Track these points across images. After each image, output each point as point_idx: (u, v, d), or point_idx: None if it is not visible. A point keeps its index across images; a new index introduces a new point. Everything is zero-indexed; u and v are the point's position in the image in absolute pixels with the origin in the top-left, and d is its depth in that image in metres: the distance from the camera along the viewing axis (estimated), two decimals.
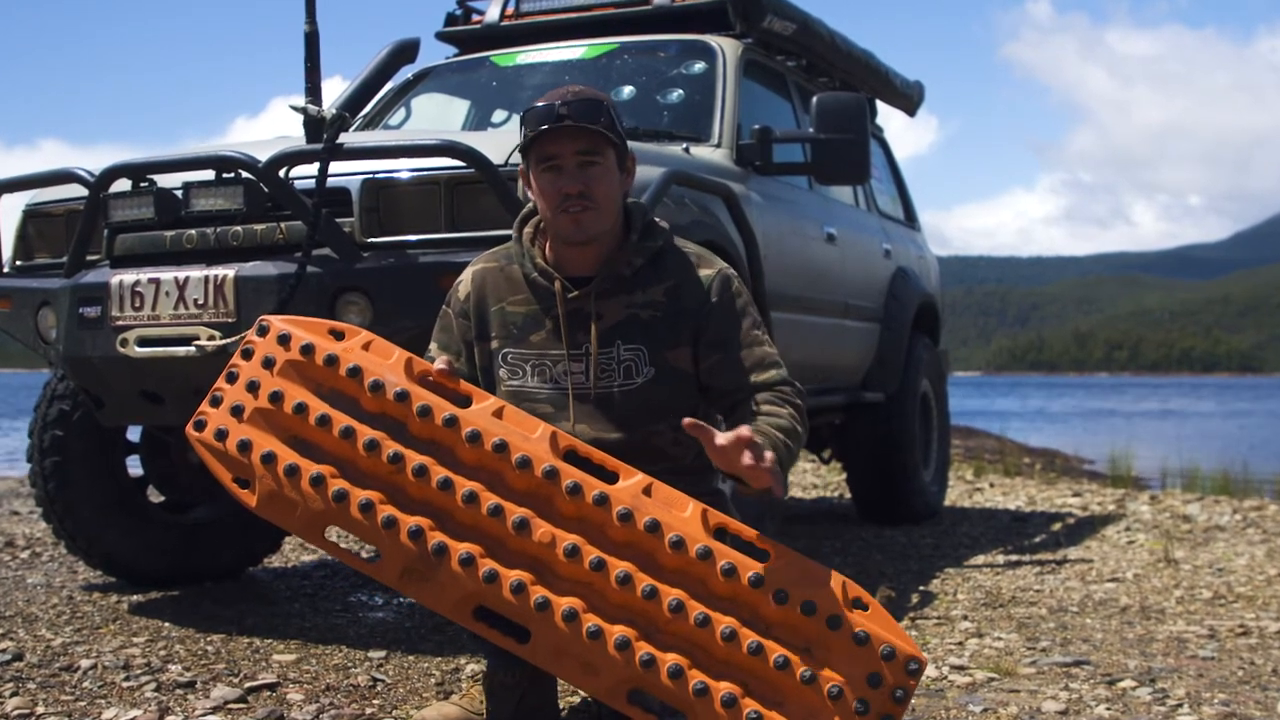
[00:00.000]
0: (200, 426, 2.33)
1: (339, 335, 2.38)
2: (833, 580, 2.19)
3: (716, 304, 2.43)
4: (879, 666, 2.12)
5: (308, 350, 2.33)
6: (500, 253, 2.55)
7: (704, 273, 2.46)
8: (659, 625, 2.16)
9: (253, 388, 2.32)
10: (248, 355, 2.37)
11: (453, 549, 2.18)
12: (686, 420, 2.15)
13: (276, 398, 2.30)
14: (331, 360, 2.32)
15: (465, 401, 2.31)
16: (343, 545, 2.38)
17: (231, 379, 2.36)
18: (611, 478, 2.26)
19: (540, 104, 2.36)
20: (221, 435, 2.30)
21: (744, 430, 2.12)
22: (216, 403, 2.34)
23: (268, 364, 2.34)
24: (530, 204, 2.53)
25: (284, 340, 2.35)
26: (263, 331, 2.38)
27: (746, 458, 2.10)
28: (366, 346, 2.35)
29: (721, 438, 2.11)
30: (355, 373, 2.30)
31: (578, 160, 2.35)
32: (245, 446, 2.28)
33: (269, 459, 2.26)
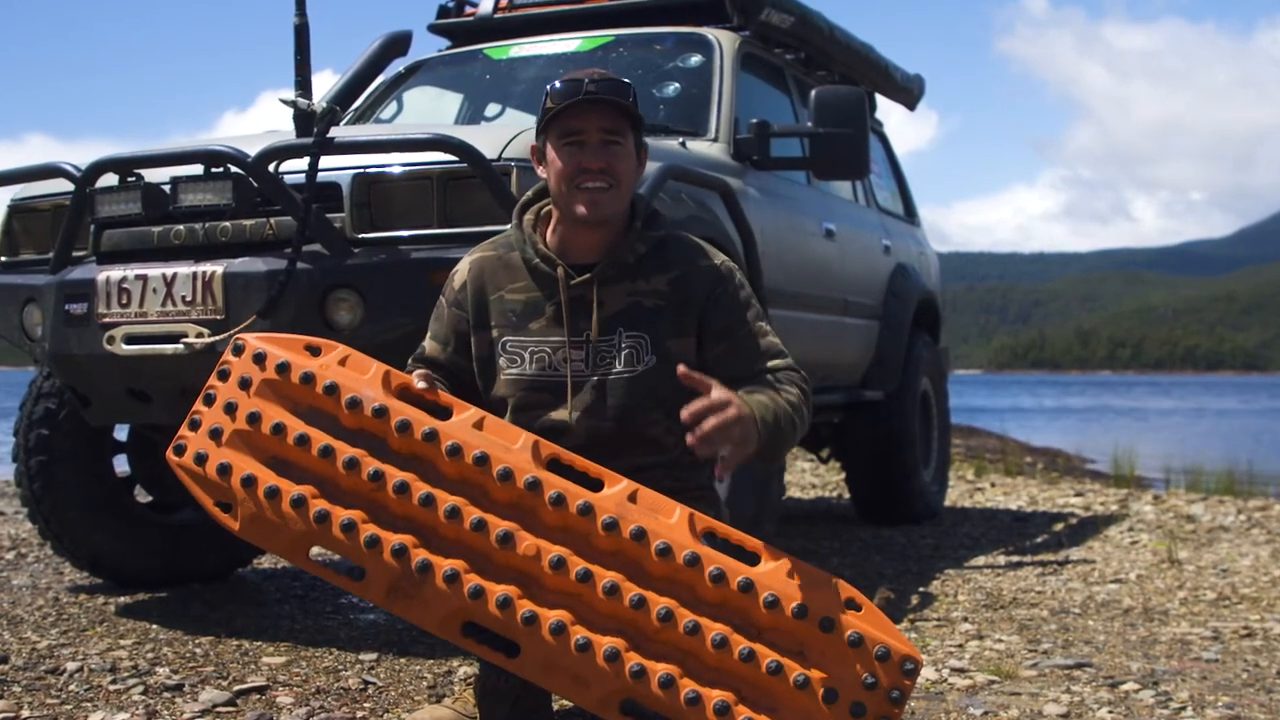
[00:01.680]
0: (180, 451, 2.33)
1: (315, 351, 2.37)
2: (825, 582, 2.19)
3: (722, 292, 2.45)
4: (874, 668, 2.12)
5: (283, 369, 2.32)
6: (498, 241, 2.55)
7: (708, 263, 2.48)
8: (648, 634, 2.16)
9: (230, 409, 2.31)
10: (224, 376, 2.36)
11: (437, 566, 2.18)
12: (681, 369, 2.17)
13: (254, 419, 2.29)
14: (308, 378, 2.31)
15: (446, 413, 2.31)
16: (328, 564, 2.36)
17: (209, 401, 2.35)
18: (596, 485, 2.25)
19: (566, 80, 2.38)
20: (201, 459, 2.30)
21: (730, 404, 2.13)
22: (195, 426, 2.33)
23: (244, 384, 2.33)
24: (531, 191, 2.54)
25: (259, 359, 2.34)
26: (238, 351, 2.37)
27: (710, 422, 2.11)
28: (343, 362, 2.34)
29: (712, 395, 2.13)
30: (332, 390, 2.29)
31: (601, 137, 2.37)
32: (225, 470, 2.27)
33: (249, 482, 2.25)
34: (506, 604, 2.15)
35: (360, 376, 2.32)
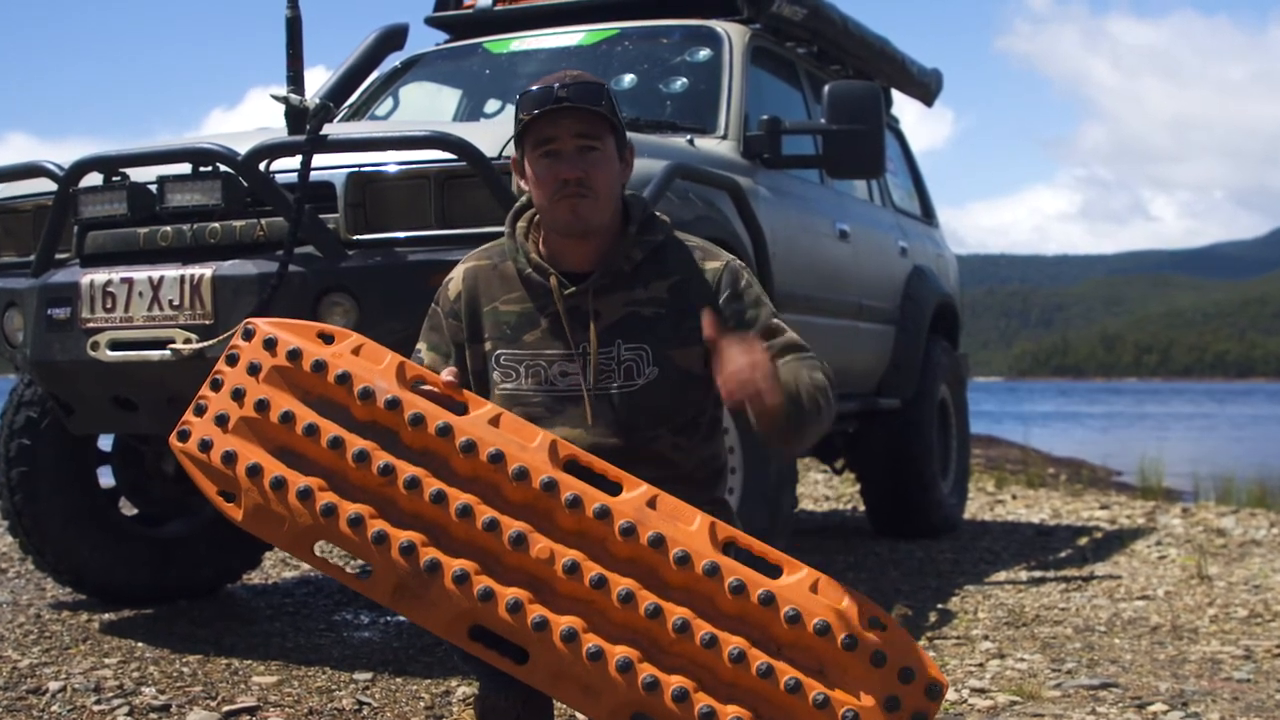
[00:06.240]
0: (184, 437, 2.33)
1: (328, 339, 2.37)
2: (848, 598, 2.18)
3: (729, 296, 2.43)
4: (897, 689, 2.12)
5: (294, 355, 2.33)
6: (493, 249, 2.55)
7: (710, 266, 2.45)
8: (663, 646, 2.16)
9: (238, 395, 2.32)
10: (232, 361, 2.37)
11: (446, 565, 2.18)
12: (707, 329, 2.16)
13: (262, 406, 2.30)
14: (319, 366, 2.32)
15: (462, 409, 2.31)
16: (333, 561, 2.37)
17: (216, 386, 2.35)
18: (615, 489, 2.25)
19: (537, 86, 2.37)
20: (205, 446, 2.30)
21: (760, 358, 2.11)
22: (200, 411, 2.34)
23: (253, 370, 2.34)
24: (524, 198, 2.52)
25: (270, 345, 2.35)
26: (248, 335, 2.38)
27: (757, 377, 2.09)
28: (356, 351, 2.35)
29: (737, 355, 2.11)
30: (344, 379, 2.30)
31: (577, 145, 2.36)
32: (230, 458, 2.27)
33: (254, 471, 2.25)
34: (517, 608, 2.15)
35: (374, 367, 2.32)
